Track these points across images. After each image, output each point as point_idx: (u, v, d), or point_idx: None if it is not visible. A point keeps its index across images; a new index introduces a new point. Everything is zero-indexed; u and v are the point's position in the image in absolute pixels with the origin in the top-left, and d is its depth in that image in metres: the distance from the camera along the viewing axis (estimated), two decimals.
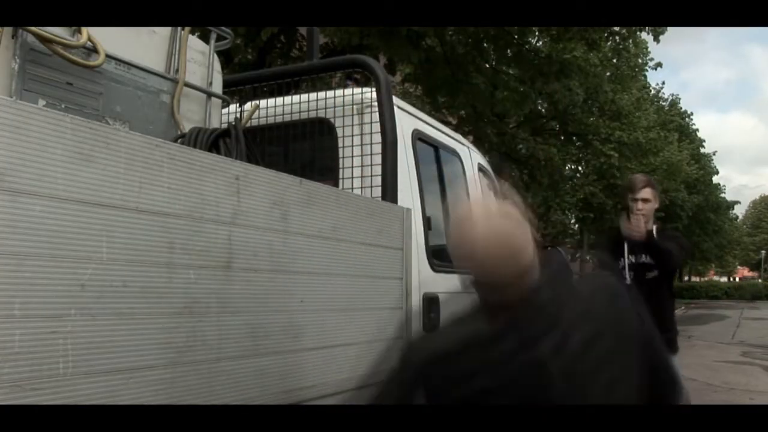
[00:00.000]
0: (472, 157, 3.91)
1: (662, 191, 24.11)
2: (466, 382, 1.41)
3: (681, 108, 31.93)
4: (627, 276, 3.36)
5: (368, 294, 2.35)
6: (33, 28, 1.92)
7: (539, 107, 16.60)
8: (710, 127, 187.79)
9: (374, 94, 2.90)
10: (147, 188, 1.51)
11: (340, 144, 3.01)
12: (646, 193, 3.37)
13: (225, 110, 3.06)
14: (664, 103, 29.64)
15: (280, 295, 1.92)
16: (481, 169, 4.04)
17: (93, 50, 2.12)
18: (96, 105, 2.19)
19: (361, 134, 2.97)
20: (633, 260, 3.43)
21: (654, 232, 3.38)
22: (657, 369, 1.52)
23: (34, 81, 2.00)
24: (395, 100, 2.98)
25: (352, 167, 2.93)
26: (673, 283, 3.56)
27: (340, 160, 2.98)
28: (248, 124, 2.89)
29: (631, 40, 14.76)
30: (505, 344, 1.38)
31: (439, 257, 3.16)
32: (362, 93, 3.04)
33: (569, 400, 1.36)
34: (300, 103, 3.11)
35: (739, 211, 56.93)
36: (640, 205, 3.36)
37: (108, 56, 2.17)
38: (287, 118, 3.12)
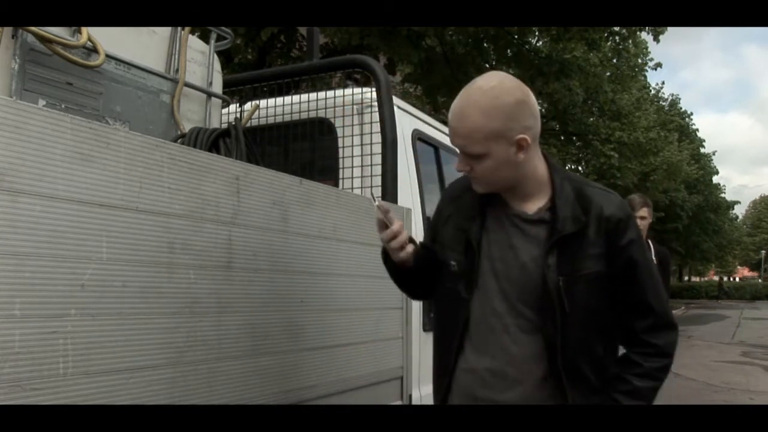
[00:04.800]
0: None
1: (662, 191, 24.21)
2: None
3: (681, 108, 31.97)
4: None
5: (368, 294, 2.35)
6: (33, 28, 1.91)
7: (539, 107, 16.59)
8: (709, 127, 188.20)
9: (374, 94, 2.90)
10: (147, 188, 1.51)
11: (340, 144, 3.01)
12: (644, 212, 3.82)
13: (225, 110, 3.06)
14: (664, 103, 29.65)
15: (280, 295, 1.92)
16: None
17: (93, 50, 2.12)
18: (96, 105, 2.19)
19: (361, 134, 2.97)
20: None
21: (650, 244, 3.86)
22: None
23: (34, 81, 2.00)
24: (395, 100, 2.98)
25: (352, 167, 2.93)
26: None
27: (340, 160, 2.98)
28: (248, 124, 2.89)
29: (631, 40, 14.76)
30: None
31: None
32: (362, 93, 3.04)
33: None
34: (300, 103, 3.11)
35: (739, 211, 57.04)
36: (639, 222, 3.69)
37: (108, 56, 2.17)
38: (287, 118, 3.12)
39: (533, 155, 1.54)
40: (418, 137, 3.21)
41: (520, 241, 1.54)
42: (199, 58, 2.68)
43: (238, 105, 3.37)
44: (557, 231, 1.50)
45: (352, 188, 2.88)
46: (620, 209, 1.54)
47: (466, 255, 1.58)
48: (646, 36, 14.45)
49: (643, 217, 3.80)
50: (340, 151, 3.00)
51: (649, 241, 3.88)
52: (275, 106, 3.16)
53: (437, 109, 11.82)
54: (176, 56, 2.52)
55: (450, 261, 1.61)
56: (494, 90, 1.47)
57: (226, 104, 3.00)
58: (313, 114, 3.08)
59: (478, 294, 1.57)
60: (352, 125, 2.99)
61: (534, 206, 1.56)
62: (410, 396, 2.61)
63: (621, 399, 1.51)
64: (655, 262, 3.73)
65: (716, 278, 59.17)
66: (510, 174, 1.51)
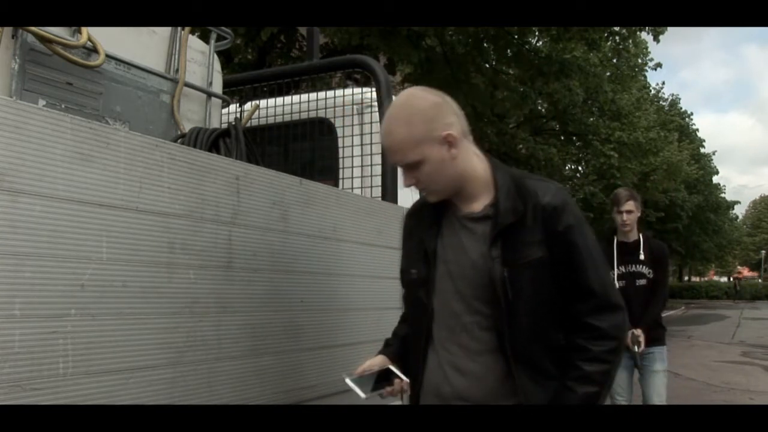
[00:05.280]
0: None
1: (662, 191, 24.19)
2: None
3: (681, 108, 31.94)
4: (616, 284, 3.58)
5: (368, 294, 2.35)
6: (33, 28, 1.92)
7: (539, 107, 16.59)
8: (709, 127, 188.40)
9: (374, 94, 2.90)
10: (147, 188, 1.51)
11: (340, 144, 3.02)
12: (630, 205, 3.85)
13: (225, 110, 3.06)
14: (664, 103, 29.62)
15: (280, 295, 1.92)
16: None
17: (93, 50, 2.12)
18: (96, 105, 2.19)
19: (361, 134, 2.97)
20: (623, 270, 3.85)
21: (641, 238, 3.90)
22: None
23: (34, 81, 2.00)
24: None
25: (352, 167, 2.94)
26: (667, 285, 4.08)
27: (340, 160, 2.98)
28: (248, 124, 2.89)
29: (631, 40, 14.74)
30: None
31: None
32: (362, 93, 3.05)
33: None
34: (300, 103, 3.11)
35: (739, 211, 57.05)
36: (625, 216, 3.83)
37: (108, 56, 2.17)
38: (287, 118, 3.12)
39: (467, 151, 1.60)
40: None
41: (470, 241, 1.60)
42: (199, 58, 2.68)
43: (238, 105, 3.37)
44: (499, 223, 1.55)
45: (352, 188, 2.88)
46: (555, 197, 1.57)
47: (425, 263, 1.64)
48: (646, 36, 14.44)
49: (629, 210, 3.84)
50: (340, 151, 3.00)
51: (640, 236, 3.88)
52: (275, 106, 3.16)
53: None
54: (176, 56, 2.52)
55: (412, 270, 1.68)
56: (409, 100, 1.58)
57: (226, 104, 3.00)
58: (313, 114, 3.08)
59: (437, 298, 1.62)
60: (352, 125, 3.00)
61: (480, 205, 1.61)
62: None
63: (573, 386, 1.51)
64: (642, 258, 3.79)
65: (716, 278, 59.24)
66: (451, 173, 1.57)
